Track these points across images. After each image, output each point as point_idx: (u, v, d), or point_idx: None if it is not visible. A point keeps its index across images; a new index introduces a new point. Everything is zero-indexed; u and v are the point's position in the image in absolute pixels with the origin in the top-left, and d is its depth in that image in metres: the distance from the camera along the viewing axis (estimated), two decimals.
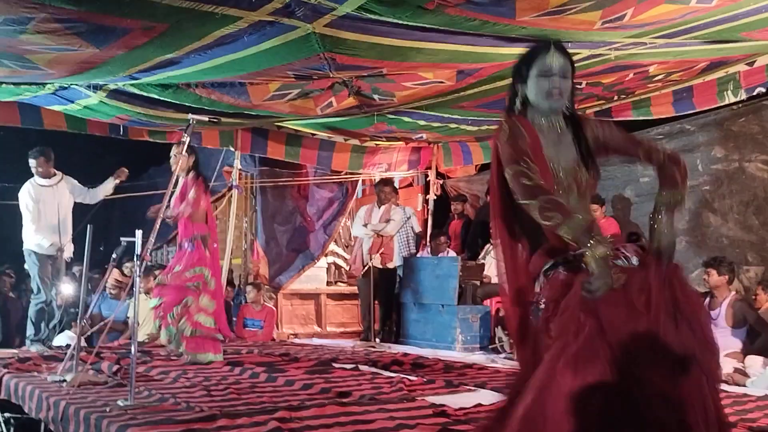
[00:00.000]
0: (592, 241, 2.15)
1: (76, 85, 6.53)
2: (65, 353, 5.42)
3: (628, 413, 2.08)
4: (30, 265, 6.98)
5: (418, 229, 9.44)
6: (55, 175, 7.09)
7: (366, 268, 8.37)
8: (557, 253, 2.34)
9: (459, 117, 7.96)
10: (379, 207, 8.69)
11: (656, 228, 2.31)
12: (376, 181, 9.43)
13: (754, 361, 5.55)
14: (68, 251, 7.10)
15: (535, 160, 2.37)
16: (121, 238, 5.50)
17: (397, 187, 9.41)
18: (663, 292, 2.19)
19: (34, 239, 6.90)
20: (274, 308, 9.09)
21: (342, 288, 10.43)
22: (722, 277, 5.99)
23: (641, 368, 2.10)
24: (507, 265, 2.54)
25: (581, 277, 2.19)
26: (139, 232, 4.38)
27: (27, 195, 6.96)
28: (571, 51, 4.87)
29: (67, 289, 7.53)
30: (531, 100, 2.53)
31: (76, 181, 7.26)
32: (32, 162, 7.00)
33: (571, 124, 2.57)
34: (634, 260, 2.26)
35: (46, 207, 6.95)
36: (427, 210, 9.84)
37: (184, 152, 5.00)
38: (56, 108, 7.41)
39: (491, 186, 2.57)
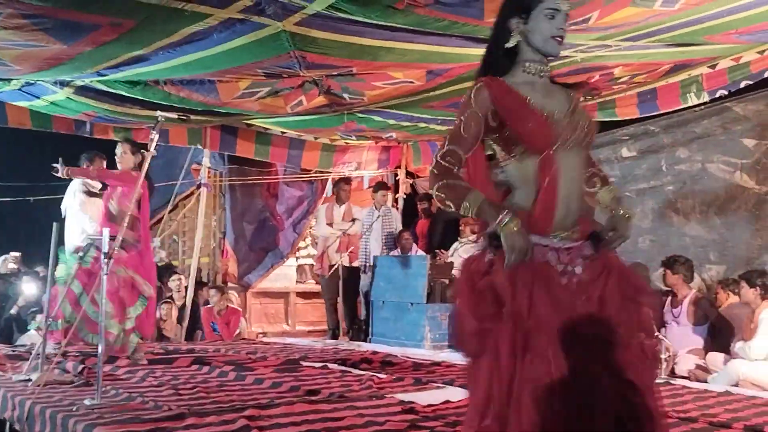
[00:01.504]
0: (500, 216, 2.07)
1: (43, 81, 6.45)
2: (30, 352, 5.36)
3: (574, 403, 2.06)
4: None
5: (387, 230, 9.45)
6: None
7: (334, 267, 8.39)
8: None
9: (428, 116, 8.00)
10: (340, 205, 8.72)
11: (622, 218, 2.33)
12: (336, 179, 9.45)
13: (715, 358, 5.67)
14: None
15: (523, 115, 2.19)
16: (87, 235, 5.48)
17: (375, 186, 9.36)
18: (613, 280, 2.21)
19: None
20: (239, 308, 9.07)
21: (311, 286, 10.42)
22: (677, 276, 6.12)
23: (581, 356, 2.08)
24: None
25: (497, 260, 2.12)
26: (106, 230, 4.35)
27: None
28: None
29: (29, 288, 7.45)
30: (532, 40, 2.24)
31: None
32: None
33: (561, 87, 2.37)
34: (578, 269, 2.20)
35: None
36: (397, 209, 9.87)
37: (152, 149, 4.94)
38: (22, 104, 7.31)
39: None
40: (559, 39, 2.25)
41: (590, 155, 2.42)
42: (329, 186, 10.53)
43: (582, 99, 2.41)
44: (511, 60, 2.30)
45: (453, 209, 2.16)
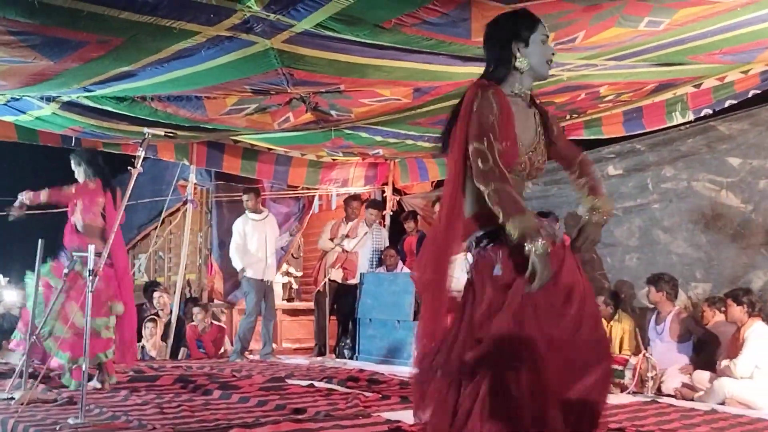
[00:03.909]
0: (537, 242, 2.25)
1: (29, 96, 6.42)
2: (13, 370, 5.30)
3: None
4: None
5: (374, 246, 9.46)
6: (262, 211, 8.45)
7: (324, 282, 8.38)
8: (485, 222, 2.43)
9: (415, 133, 8.03)
10: (347, 223, 8.73)
11: (594, 224, 2.54)
12: (346, 197, 9.46)
13: (701, 376, 5.68)
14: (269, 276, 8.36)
15: (505, 134, 2.42)
16: (74, 253, 5.42)
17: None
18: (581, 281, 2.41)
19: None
20: (224, 326, 9.02)
21: (297, 304, 10.38)
22: (660, 293, 6.17)
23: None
24: (442, 227, 2.55)
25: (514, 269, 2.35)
26: (91, 247, 4.32)
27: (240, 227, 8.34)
28: None
29: (9, 296, 7.38)
30: (531, 63, 2.53)
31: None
32: (244, 197, 8.38)
33: (535, 108, 2.63)
34: (559, 232, 2.47)
35: (254, 239, 8.20)
36: (384, 226, 9.86)
37: (139, 166, 4.89)
38: (7, 119, 7.28)
39: (455, 144, 2.51)
40: (550, 62, 2.56)
41: (589, 167, 2.68)
42: (315, 202, 10.54)
43: (550, 125, 2.64)
44: (506, 77, 2.56)
45: (497, 214, 2.32)
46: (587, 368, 2.32)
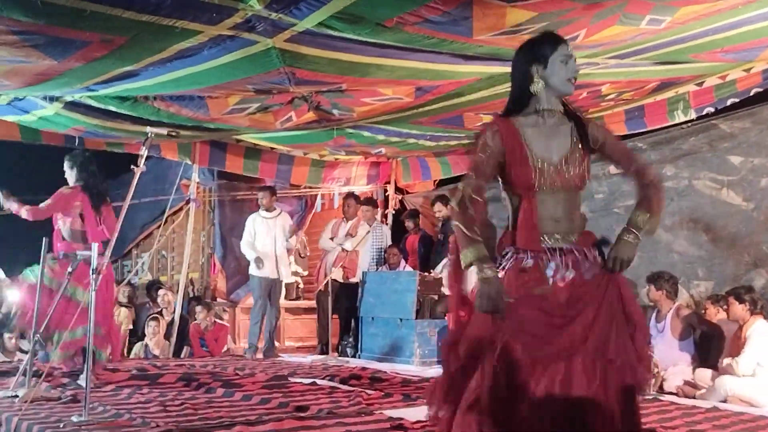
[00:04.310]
0: (483, 270, 2.44)
1: (32, 95, 6.44)
2: (17, 368, 5.32)
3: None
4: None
5: (377, 245, 9.46)
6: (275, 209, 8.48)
7: (326, 281, 8.39)
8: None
9: (418, 132, 8.03)
10: (347, 221, 8.74)
11: (624, 242, 2.56)
12: (343, 195, 9.48)
13: (703, 374, 5.68)
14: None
15: (513, 161, 2.55)
16: (77, 252, 5.45)
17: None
18: (605, 303, 2.47)
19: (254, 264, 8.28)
20: (227, 324, 9.03)
21: (300, 302, 10.39)
22: (660, 292, 6.16)
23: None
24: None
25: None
26: (95, 245, 4.34)
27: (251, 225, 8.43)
28: None
29: (12, 295, 7.39)
30: (552, 83, 2.59)
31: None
32: (259, 195, 8.52)
33: (572, 120, 2.68)
34: (569, 273, 2.49)
35: (263, 237, 8.29)
36: (386, 224, 9.87)
37: (142, 165, 4.92)
38: (10, 118, 7.29)
39: None
40: (574, 81, 2.63)
41: (644, 177, 2.68)
42: (318, 201, 10.56)
43: (589, 133, 2.67)
44: (528, 100, 2.65)
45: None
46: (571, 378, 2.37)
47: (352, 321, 8.52)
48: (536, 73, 2.60)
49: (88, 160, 5.91)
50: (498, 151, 2.56)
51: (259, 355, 8.25)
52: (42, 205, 5.64)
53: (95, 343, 5.16)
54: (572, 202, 2.60)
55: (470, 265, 2.46)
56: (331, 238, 8.73)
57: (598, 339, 2.41)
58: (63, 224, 5.66)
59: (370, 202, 9.12)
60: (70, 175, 5.81)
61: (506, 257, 2.55)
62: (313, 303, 9.42)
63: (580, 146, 2.62)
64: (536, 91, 2.60)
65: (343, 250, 8.56)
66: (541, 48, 2.63)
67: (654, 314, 6.32)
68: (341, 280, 8.59)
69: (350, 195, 9.15)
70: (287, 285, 10.35)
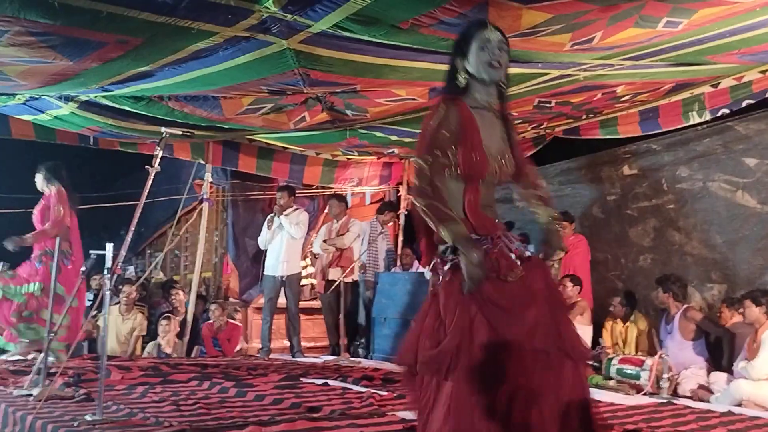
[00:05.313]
0: (467, 248, 2.35)
1: (47, 95, 6.48)
2: (31, 367, 5.35)
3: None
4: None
5: (386, 246, 9.43)
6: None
7: (327, 283, 8.39)
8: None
9: None
10: (337, 221, 8.72)
11: (555, 231, 2.72)
12: (327, 196, 9.49)
13: (718, 378, 5.66)
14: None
15: (471, 146, 2.51)
16: (91, 252, 5.46)
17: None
18: (546, 287, 2.51)
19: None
20: (239, 324, 9.05)
21: (312, 303, 10.38)
22: (667, 294, 6.18)
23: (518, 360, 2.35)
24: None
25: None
26: (109, 245, 4.34)
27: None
28: (540, 71, 4.98)
29: None
30: (473, 72, 2.58)
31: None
32: (277, 195, 8.49)
33: (501, 119, 2.68)
34: (528, 248, 2.54)
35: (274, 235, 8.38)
36: (398, 225, 9.86)
37: (156, 165, 4.93)
38: (26, 117, 7.35)
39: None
40: (495, 64, 2.56)
41: (534, 180, 2.79)
42: (348, 197, 10.55)
43: (511, 134, 2.69)
44: (464, 92, 2.62)
45: (432, 226, 2.45)
46: (544, 369, 2.37)
47: (357, 321, 8.54)
48: (459, 65, 2.61)
49: (60, 167, 6.53)
50: (456, 131, 2.50)
51: (273, 355, 8.27)
52: (49, 224, 6.25)
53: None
54: (494, 194, 2.68)
55: (460, 239, 2.38)
56: (325, 241, 8.70)
57: (551, 323, 2.44)
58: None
59: (388, 207, 9.08)
60: (38, 179, 6.44)
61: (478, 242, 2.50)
62: None
63: (509, 145, 2.66)
64: (462, 84, 2.60)
65: (336, 249, 8.53)
66: (462, 39, 2.63)
67: (664, 316, 6.31)
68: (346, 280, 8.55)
69: (333, 196, 9.16)
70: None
